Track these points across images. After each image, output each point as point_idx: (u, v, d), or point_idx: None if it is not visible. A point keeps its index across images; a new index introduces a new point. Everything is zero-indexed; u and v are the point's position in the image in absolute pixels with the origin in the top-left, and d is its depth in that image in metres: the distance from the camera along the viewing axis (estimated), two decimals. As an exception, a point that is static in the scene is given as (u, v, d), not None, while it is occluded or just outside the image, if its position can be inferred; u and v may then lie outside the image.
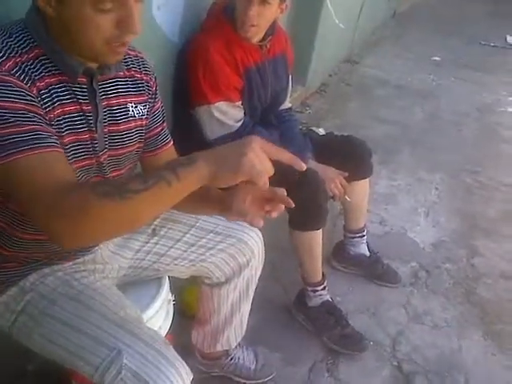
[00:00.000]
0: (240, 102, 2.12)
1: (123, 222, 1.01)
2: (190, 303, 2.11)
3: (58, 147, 1.07)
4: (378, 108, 4.67)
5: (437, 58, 6.10)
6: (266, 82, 2.23)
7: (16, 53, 1.09)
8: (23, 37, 1.12)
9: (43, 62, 1.13)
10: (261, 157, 1.00)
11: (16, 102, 1.04)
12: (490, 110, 4.92)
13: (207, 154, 1.01)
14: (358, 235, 2.59)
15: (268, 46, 2.18)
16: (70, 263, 1.42)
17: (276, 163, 1.05)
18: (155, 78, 1.42)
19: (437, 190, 3.53)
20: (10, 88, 1.04)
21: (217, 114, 2.05)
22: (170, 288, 1.69)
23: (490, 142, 4.31)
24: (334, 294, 2.38)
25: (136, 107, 1.34)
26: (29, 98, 1.06)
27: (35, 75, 1.10)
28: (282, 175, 2.00)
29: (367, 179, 2.51)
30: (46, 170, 1.01)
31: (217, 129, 2.06)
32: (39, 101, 1.10)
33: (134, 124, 1.34)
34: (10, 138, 1.00)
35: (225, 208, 1.30)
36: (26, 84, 1.07)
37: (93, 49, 1.11)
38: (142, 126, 1.37)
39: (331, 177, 2.19)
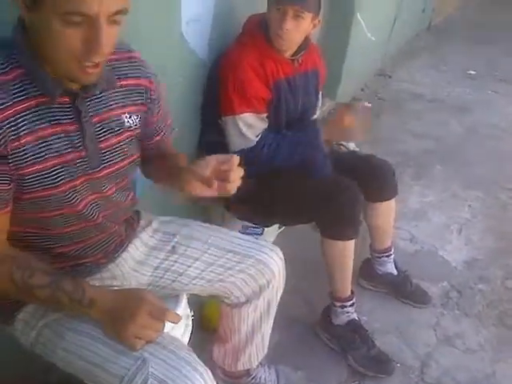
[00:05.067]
0: (266, 115, 2.15)
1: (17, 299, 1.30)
2: (211, 317, 2.11)
3: None
4: (411, 122, 4.61)
5: (473, 72, 6.01)
6: (296, 95, 2.25)
7: None
8: (5, 57, 1.12)
9: (23, 82, 1.13)
10: (145, 328, 1.21)
11: None
12: (528, 125, 4.82)
13: (105, 310, 1.23)
14: (384, 255, 2.55)
15: (300, 61, 2.22)
16: (88, 279, 1.42)
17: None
18: (154, 78, 1.41)
19: (470, 207, 3.45)
20: None
21: (241, 126, 2.09)
22: (189, 302, 1.68)
23: (527, 158, 4.22)
24: (360, 313, 2.34)
25: (130, 117, 1.35)
26: None
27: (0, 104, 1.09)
28: (316, 185, 2.10)
29: (392, 200, 2.47)
30: None
31: (238, 141, 2.11)
32: None
33: (128, 134, 1.35)
34: None
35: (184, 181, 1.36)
36: None
37: (63, 64, 1.10)
38: (135, 135, 1.39)
39: None
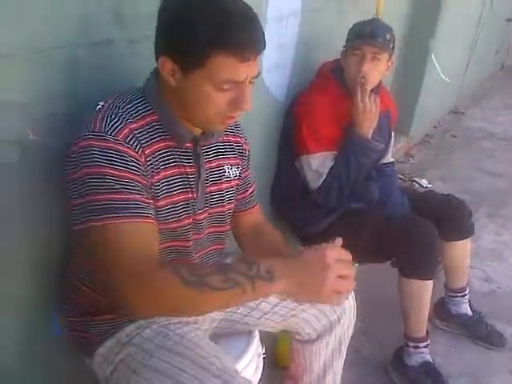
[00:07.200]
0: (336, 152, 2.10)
1: (192, 309, 1.11)
2: (283, 355, 2.02)
3: (153, 219, 1.13)
4: (484, 160, 4.40)
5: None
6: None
7: (133, 119, 1.15)
8: (142, 104, 1.19)
9: (156, 127, 1.19)
10: (337, 280, 1.09)
11: (125, 171, 1.09)
12: None
13: (288, 276, 1.08)
14: (459, 294, 2.39)
15: None
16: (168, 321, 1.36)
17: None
18: (248, 142, 1.48)
19: (547, 247, 3.19)
20: (123, 158, 1.10)
21: (315, 165, 2.07)
22: (261, 339, 1.60)
23: None
24: (434, 355, 2.16)
25: (231, 169, 1.40)
26: (137, 167, 1.12)
27: (145, 142, 1.15)
28: (395, 225, 2.04)
29: (468, 239, 2.33)
30: (137, 239, 1.07)
31: (315, 179, 2.08)
32: (145, 168, 1.14)
33: (229, 184, 1.39)
34: (113, 203, 1.07)
35: None
36: (137, 152, 1.12)
37: (205, 119, 1.19)
38: (235, 185, 1.43)
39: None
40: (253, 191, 1.54)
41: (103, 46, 1.29)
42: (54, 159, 1.22)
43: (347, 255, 1.14)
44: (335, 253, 1.10)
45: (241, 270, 1.06)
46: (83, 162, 1.08)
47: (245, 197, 1.51)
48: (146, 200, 1.12)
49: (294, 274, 1.09)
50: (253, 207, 1.56)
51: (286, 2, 2.04)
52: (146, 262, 1.04)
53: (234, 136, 1.42)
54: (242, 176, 1.46)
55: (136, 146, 1.12)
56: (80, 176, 1.09)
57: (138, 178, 1.11)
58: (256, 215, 1.57)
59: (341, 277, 1.10)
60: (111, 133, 1.10)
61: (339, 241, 1.20)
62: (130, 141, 1.11)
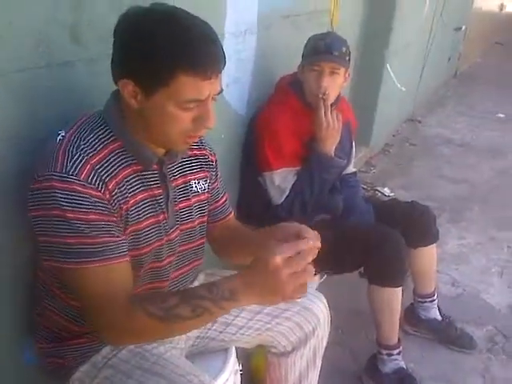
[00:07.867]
0: (299, 167, 2.10)
1: (165, 336, 1.24)
2: (259, 369, 1.99)
3: (125, 255, 1.14)
4: (443, 166, 4.50)
5: (501, 115, 5.88)
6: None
7: (95, 150, 1.13)
8: (103, 131, 1.17)
9: (120, 154, 1.17)
10: (293, 276, 1.06)
11: (91, 213, 1.09)
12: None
13: (248, 291, 1.09)
14: (428, 300, 2.41)
15: None
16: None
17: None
18: (214, 153, 1.48)
19: (510, 248, 3.28)
20: (86, 200, 1.08)
21: (278, 181, 2.07)
22: (237, 355, 1.60)
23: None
24: (406, 360, 2.18)
25: (199, 183, 1.39)
26: (102, 207, 1.11)
27: (108, 175, 1.13)
28: (366, 234, 2.05)
29: (434, 245, 2.36)
30: (110, 280, 1.11)
31: (277, 195, 2.08)
32: (111, 203, 1.13)
33: (198, 198, 1.39)
34: (85, 248, 1.08)
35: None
36: (100, 191, 1.10)
37: (168, 138, 1.18)
38: (206, 199, 1.42)
39: None
40: (225, 201, 1.54)
41: (62, 67, 1.27)
42: (12, 185, 1.20)
43: (297, 246, 1.09)
44: (282, 253, 1.06)
45: (203, 294, 1.08)
46: (47, 204, 1.07)
47: (217, 207, 1.51)
48: (117, 239, 1.12)
49: (253, 286, 1.09)
50: (227, 216, 1.55)
51: (243, 18, 2.05)
52: (119, 302, 1.09)
53: (199, 149, 1.41)
54: (211, 187, 1.45)
55: (98, 183, 1.10)
56: (44, 215, 1.08)
57: (105, 218, 1.11)
58: (231, 223, 1.58)
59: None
60: (73, 172, 1.08)
61: (316, 235, 1.18)
62: (91, 179, 1.10)
